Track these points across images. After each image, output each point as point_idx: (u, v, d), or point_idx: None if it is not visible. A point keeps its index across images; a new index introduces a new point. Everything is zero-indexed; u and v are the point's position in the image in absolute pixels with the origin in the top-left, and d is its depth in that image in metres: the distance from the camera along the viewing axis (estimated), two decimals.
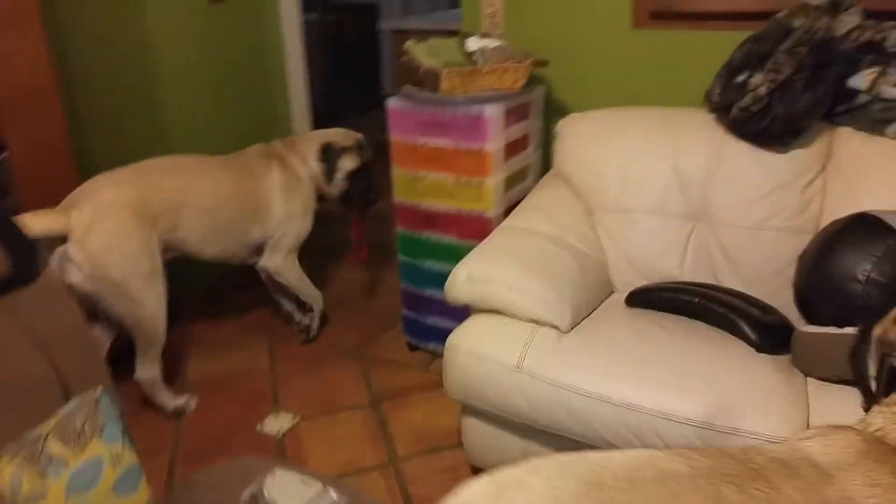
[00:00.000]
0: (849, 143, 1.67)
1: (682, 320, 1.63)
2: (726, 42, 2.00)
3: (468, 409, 1.73)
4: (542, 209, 1.96)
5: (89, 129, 2.74)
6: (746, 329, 1.51)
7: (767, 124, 1.63)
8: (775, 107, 1.61)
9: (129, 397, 2.15)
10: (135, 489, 1.15)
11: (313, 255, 3.25)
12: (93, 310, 1.97)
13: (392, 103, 2.19)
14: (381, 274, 3.16)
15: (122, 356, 2.08)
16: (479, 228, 2.14)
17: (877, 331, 1.09)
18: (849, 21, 1.64)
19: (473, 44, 2.21)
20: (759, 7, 1.90)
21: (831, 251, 1.42)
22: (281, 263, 2.42)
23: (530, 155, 2.33)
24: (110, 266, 1.88)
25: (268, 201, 2.31)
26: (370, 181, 2.46)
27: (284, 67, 3.21)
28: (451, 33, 2.34)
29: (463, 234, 2.19)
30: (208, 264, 2.34)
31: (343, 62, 5.78)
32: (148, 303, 1.99)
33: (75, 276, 1.85)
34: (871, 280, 1.34)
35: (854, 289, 1.36)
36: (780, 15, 1.72)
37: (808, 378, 1.42)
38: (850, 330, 1.32)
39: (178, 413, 2.20)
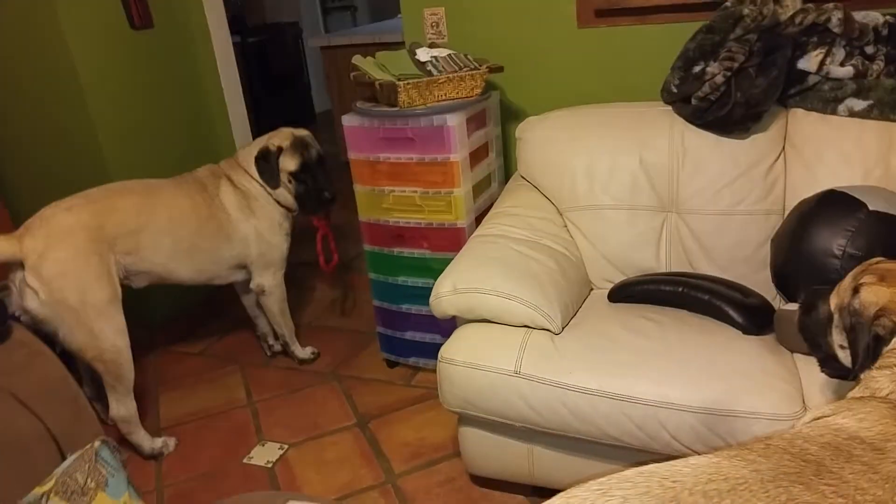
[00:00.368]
0: (803, 123, 1.74)
1: (667, 310, 1.67)
2: (673, 35, 2.07)
3: (464, 419, 1.73)
4: (514, 214, 1.97)
5: (16, 163, 2.63)
6: (732, 313, 1.56)
7: (728, 111, 1.69)
8: (733, 93, 1.66)
9: None
10: None
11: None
12: (53, 341, 1.88)
13: (347, 121, 2.16)
14: (349, 293, 3.12)
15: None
16: (451, 240, 2.14)
17: (833, 301, 1.13)
18: (792, 5, 1.72)
19: (424, 54, 2.20)
20: None
21: (806, 230, 1.48)
22: (271, 283, 2.37)
23: (493, 162, 2.34)
24: (66, 291, 1.85)
25: (228, 220, 2.25)
26: (318, 179, 2.29)
27: (221, 90, 3.13)
28: (382, 46, 2.33)
29: (435, 247, 2.18)
30: (185, 289, 2.27)
31: (270, 82, 5.77)
32: (108, 332, 1.94)
33: (32, 302, 1.84)
34: (847, 254, 1.40)
35: (831, 264, 1.42)
36: (728, 4, 1.78)
37: (795, 354, 1.48)
38: None
39: (156, 456, 2.11)
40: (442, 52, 2.20)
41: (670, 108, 1.89)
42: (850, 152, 1.66)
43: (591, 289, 1.92)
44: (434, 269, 2.17)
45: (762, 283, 1.71)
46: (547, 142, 2.04)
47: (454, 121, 2.00)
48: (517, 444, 1.68)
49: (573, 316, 1.72)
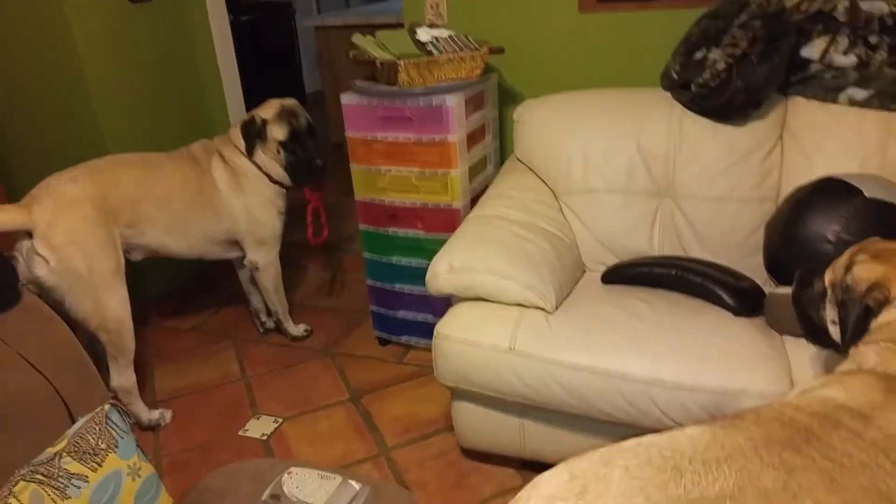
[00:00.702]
0: (802, 112, 1.77)
1: (660, 292, 1.70)
2: (674, 21, 2.09)
3: (458, 394, 1.75)
4: (510, 196, 1.99)
5: (14, 134, 2.60)
6: (723, 295, 1.60)
7: (728, 98, 1.71)
8: (734, 81, 1.68)
9: None
10: (157, 498, 1.13)
11: None
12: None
13: (346, 99, 2.16)
14: (341, 272, 3.13)
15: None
16: (446, 220, 2.16)
17: (828, 277, 1.16)
18: None
19: (424, 34, 2.20)
20: None
21: (801, 216, 1.51)
22: (264, 259, 2.37)
23: (489, 144, 2.35)
24: (75, 259, 1.87)
25: (217, 195, 2.25)
26: (308, 147, 2.26)
27: (217, 67, 3.11)
28: (377, 27, 2.33)
29: (429, 228, 2.20)
30: (179, 265, 2.27)
31: (262, 61, 5.74)
32: (113, 302, 1.97)
33: (41, 269, 1.86)
34: (842, 240, 1.44)
35: (826, 249, 1.45)
36: None
37: (784, 336, 1.52)
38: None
39: (153, 427, 2.13)
40: (443, 33, 2.20)
41: (669, 94, 1.91)
42: (848, 141, 1.69)
43: (585, 271, 1.94)
44: (428, 250, 2.18)
45: (753, 269, 1.74)
46: (544, 125, 2.06)
47: (453, 101, 2.01)
48: (509, 419, 1.71)
49: (567, 296, 1.74)
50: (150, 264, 2.32)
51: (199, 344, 2.62)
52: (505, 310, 1.66)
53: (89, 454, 1.05)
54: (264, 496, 1.23)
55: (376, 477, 1.86)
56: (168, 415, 2.17)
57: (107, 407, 1.09)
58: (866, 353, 1.00)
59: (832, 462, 0.77)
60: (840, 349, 1.10)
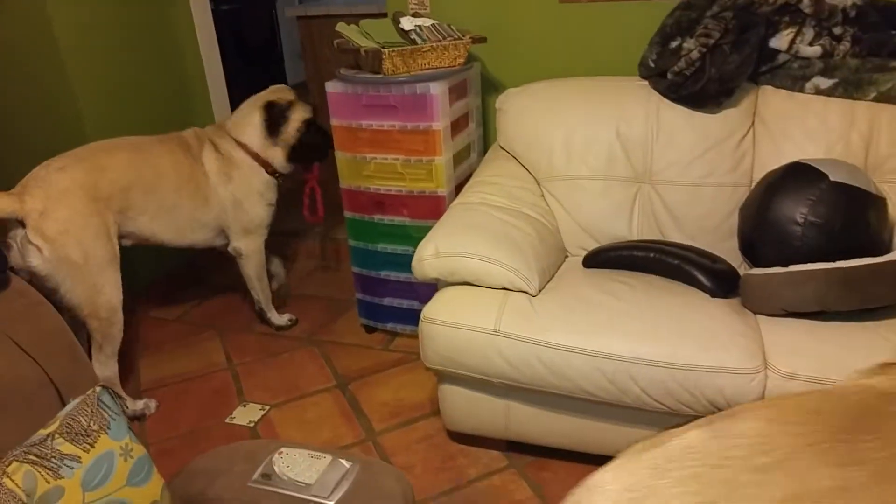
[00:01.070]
0: (772, 100, 1.83)
1: (639, 275, 1.76)
2: (651, 11, 2.14)
3: (444, 378, 1.79)
4: (494, 183, 2.03)
5: None
6: (701, 277, 1.65)
7: (702, 86, 1.76)
8: (708, 69, 1.74)
9: None
10: (148, 479, 1.15)
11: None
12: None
13: (331, 87, 2.18)
14: (327, 260, 3.15)
15: None
16: (431, 207, 2.19)
17: None
18: None
19: (408, 23, 2.22)
20: None
21: (771, 199, 1.57)
22: (249, 247, 2.40)
23: (473, 132, 2.39)
24: (69, 249, 1.89)
25: (207, 184, 2.27)
26: (324, 129, 2.39)
27: (200, 57, 3.10)
28: (360, 17, 2.35)
29: (415, 215, 2.23)
30: (164, 255, 2.28)
31: (243, 52, 5.70)
32: (106, 288, 1.99)
33: (35, 259, 1.87)
34: (809, 222, 1.50)
35: (794, 230, 1.52)
36: None
37: (758, 315, 1.58)
38: (793, 268, 1.48)
39: (138, 418, 2.14)
40: (426, 22, 2.22)
41: (647, 82, 1.96)
42: (814, 128, 1.76)
43: (567, 255, 1.99)
44: (413, 237, 2.22)
45: (729, 251, 1.80)
46: (526, 113, 2.10)
47: (437, 89, 2.04)
48: (494, 401, 1.75)
49: (549, 280, 1.79)
50: (136, 254, 2.32)
51: (184, 333, 2.63)
52: (490, 293, 1.70)
53: (82, 435, 1.06)
54: (256, 475, 1.25)
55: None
56: (153, 405, 2.18)
57: (98, 389, 1.11)
58: None
59: (887, 451, 0.73)
60: None
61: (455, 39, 2.16)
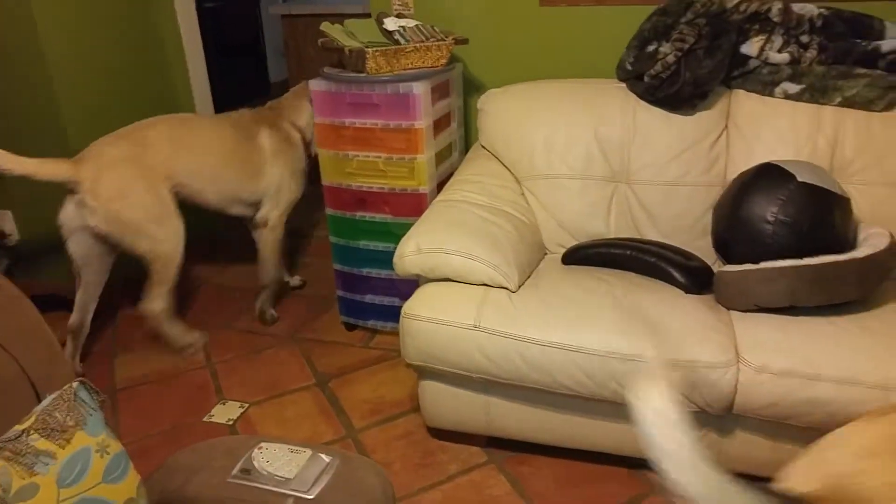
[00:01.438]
0: (744, 103, 1.89)
1: (616, 272, 1.80)
2: (629, 16, 2.19)
3: (425, 373, 1.81)
4: (475, 181, 2.06)
5: None
6: (676, 274, 1.70)
7: (677, 89, 1.81)
8: (683, 73, 1.79)
9: None
10: (125, 475, 1.14)
11: (242, 248, 3.20)
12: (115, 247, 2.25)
13: (315, 85, 2.20)
14: (308, 258, 3.15)
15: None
16: (413, 205, 2.21)
17: None
18: None
19: (392, 24, 2.25)
20: None
21: (743, 198, 1.62)
22: (276, 218, 2.55)
23: (454, 131, 2.41)
24: (121, 211, 2.14)
25: (262, 160, 2.45)
26: None
27: (183, 52, 3.09)
28: (344, 16, 2.37)
29: (397, 212, 2.25)
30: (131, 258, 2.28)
31: (226, 49, 5.68)
32: (165, 241, 2.23)
33: (92, 219, 2.13)
34: (779, 220, 1.55)
35: (765, 229, 1.56)
36: None
37: (731, 311, 1.62)
38: (764, 265, 1.53)
39: (188, 350, 2.39)
40: (409, 23, 2.25)
41: (625, 85, 2.00)
42: (784, 131, 1.82)
43: (546, 253, 2.03)
44: (395, 234, 2.24)
45: (703, 249, 1.86)
46: (507, 114, 2.13)
47: (420, 89, 2.07)
48: (474, 396, 1.77)
49: (529, 276, 1.82)
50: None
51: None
52: (470, 289, 1.73)
53: (57, 431, 1.04)
54: (235, 471, 1.25)
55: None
56: (203, 339, 2.44)
57: (75, 384, 1.09)
58: None
59: None
60: None
61: (438, 40, 2.19)
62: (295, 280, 2.88)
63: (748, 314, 1.58)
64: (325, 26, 2.29)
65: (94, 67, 2.67)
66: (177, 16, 3.00)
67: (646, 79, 1.87)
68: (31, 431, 1.03)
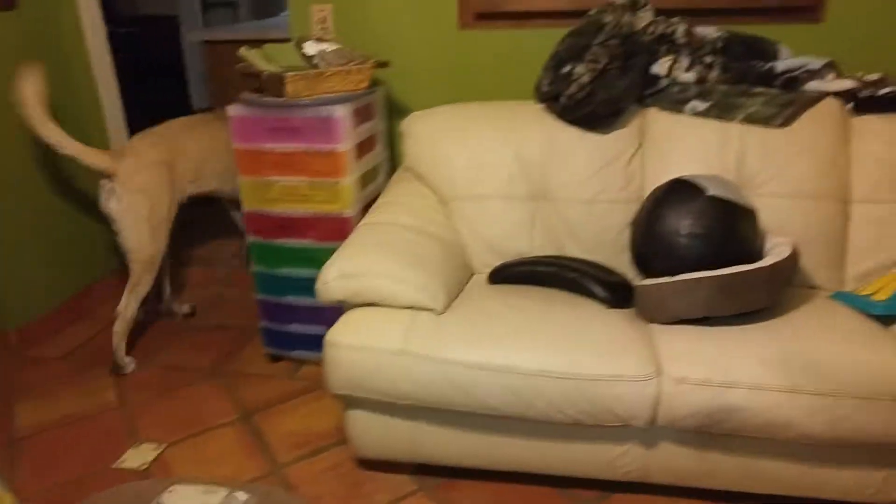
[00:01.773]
0: (657, 121, 1.95)
1: (541, 289, 1.80)
2: (545, 39, 2.25)
3: (352, 403, 1.76)
4: (400, 203, 2.04)
5: None
6: (597, 289, 1.72)
7: (593, 108, 1.86)
8: (598, 93, 1.83)
9: None
10: None
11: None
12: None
13: (233, 110, 2.14)
14: (229, 288, 3.04)
15: None
16: (337, 229, 2.17)
17: None
18: (646, 17, 1.92)
19: (311, 48, 2.23)
20: (573, 6, 2.16)
21: (658, 213, 1.66)
22: None
23: (379, 154, 2.40)
24: (140, 203, 2.34)
25: None
26: None
27: (93, 79, 2.96)
28: (267, 42, 2.35)
29: (321, 237, 2.20)
30: (45, 289, 2.13)
31: (145, 75, 5.53)
32: (154, 241, 2.40)
33: (114, 205, 2.34)
34: (692, 233, 1.59)
35: (680, 242, 1.61)
36: (592, 12, 1.96)
37: (652, 324, 1.65)
38: (680, 277, 1.57)
39: (121, 372, 2.43)
40: (329, 47, 2.23)
41: (543, 106, 2.04)
42: (694, 147, 1.88)
43: (473, 273, 2.02)
44: (320, 260, 2.18)
45: (625, 264, 1.89)
46: (431, 136, 2.13)
47: (341, 112, 2.04)
48: (402, 423, 1.73)
49: (456, 297, 1.80)
50: (12, 290, 2.15)
51: (70, 373, 2.44)
52: (396, 313, 1.69)
53: None
54: None
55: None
56: (131, 365, 2.47)
57: None
58: None
59: None
60: None
61: (358, 64, 2.17)
62: (185, 308, 2.87)
63: (668, 326, 1.61)
64: (243, 51, 2.25)
65: None
66: (84, 39, 2.88)
67: (562, 99, 1.91)
68: None
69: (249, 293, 2.93)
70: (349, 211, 2.14)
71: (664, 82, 1.93)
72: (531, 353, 1.54)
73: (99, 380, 2.39)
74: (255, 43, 2.40)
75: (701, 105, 1.88)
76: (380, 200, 2.11)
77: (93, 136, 2.99)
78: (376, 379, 1.63)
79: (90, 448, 2.04)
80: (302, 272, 2.26)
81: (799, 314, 1.64)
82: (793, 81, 1.92)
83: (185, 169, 2.48)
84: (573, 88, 1.86)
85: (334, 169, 2.10)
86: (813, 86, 1.93)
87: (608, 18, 1.91)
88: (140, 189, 2.34)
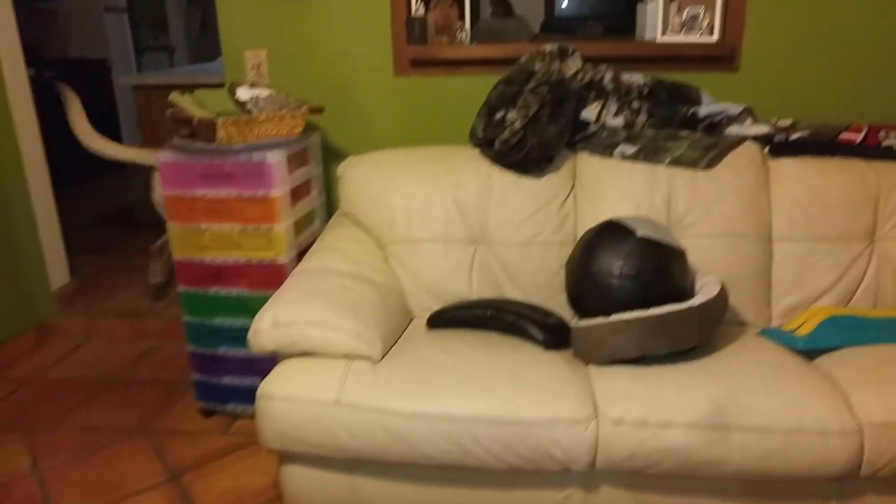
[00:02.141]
0: (588, 165, 2.00)
1: (479, 333, 1.79)
2: (479, 85, 2.30)
3: (287, 457, 1.68)
4: (336, 249, 2.01)
5: None
6: (534, 332, 1.71)
7: (525, 153, 1.89)
8: (530, 138, 1.87)
9: None
10: None
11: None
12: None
13: (163, 156, 2.09)
14: (157, 341, 2.91)
15: None
16: (271, 277, 2.12)
17: None
18: (574, 64, 1.99)
19: (244, 93, 2.20)
20: (503, 54, 2.22)
21: (590, 255, 1.69)
22: None
23: (315, 199, 2.37)
24: None
25: None
26: None
27: (13, 128, 2.85)
28: (200, 87, 2.33)
29: (254, 285, 2.14)
30: None
31: None
32: None
33: (158, 197, 2.49)
34: (624, 274, 1.62)
35: (612, 282, 1.63)
36: (522, 60, 2.02)
37: (589, 365, 1.65)
38: (614, 318, 1.58)
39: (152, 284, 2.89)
40: (263, 92, 2.21)
41: (478, 150, 2.07)
42: (625, 189, 1.93)
43: (412, 318, 1.99)
44: (253, 308, 2.12)
45: (561, 305, 1.90)
46: (367, 180, 2.12)
47: (274, 157, 2.01)
48: (339, 477, 1.66)
49: (394, 344, 1.77)
50: None
51: None
52: (331, 363, 1.64)
53: None
54: None
55: None
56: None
57: None
58: None
59: None
60: None
61: (292, 110, 2.16)
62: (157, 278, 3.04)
63: (604, 367, 1.62)
64: (173, 96, 2.21)
65: None
66: (4, 83, 2.78)
67: (496, 144, 1.94)
68: None
69: (181, 345, 2.81)
70: (283, 258, 2.10)
71: (594, 127, 1.98)
72: (467, 400, 1.51)
73: (11, 444, 2.23)
74: (188, 88, 2.36)
75: (630, 149, 1.94)
76: (315, 246, 2.07)
77: (12, 184, 2.85)
78: (311, 431, 1.56)
79: None
80: (235, 322, 2.18)
81: (730, 351, 1.68)
82: (714, 126, 2.01)
83: None
84: (506, 134, 1.89)
85: (267, 215, 2.06)
86: (733, 130, 2.03)
87: (538, 66, 1.97)
88: None
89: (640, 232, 1.65)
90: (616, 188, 1.94)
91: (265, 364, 2.20)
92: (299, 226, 2.21)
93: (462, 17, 2.38)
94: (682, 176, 1.93)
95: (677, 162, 1.91)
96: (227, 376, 2.27)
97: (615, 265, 1.63)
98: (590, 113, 1.97)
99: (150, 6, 6.57)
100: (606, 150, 1.97)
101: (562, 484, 1.58)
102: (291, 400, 1.57)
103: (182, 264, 2.17)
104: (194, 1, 6.86)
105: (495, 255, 1.98)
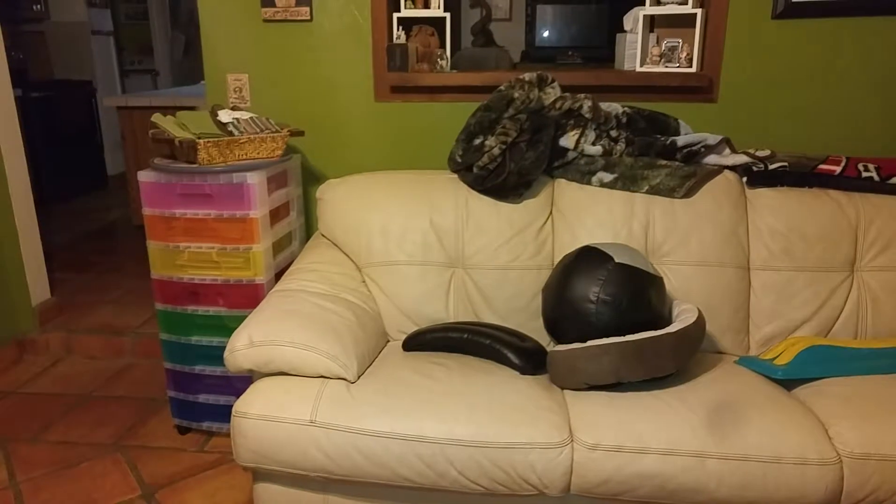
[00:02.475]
0: (566, 191, 2.03)
1: (455, 356, 1.80)
2: (458, 111, 2.33)
3: (261, 476, 1.68)
4: (314, 270, 2.02)
5: None
6: (510, 356, 1.73)
7: (503, 179, 1.92)
8: (508, 164, 1.90)
9: None
10: None
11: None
12: None
13: (143, 176, 2.10)
14: (135, 358, 2.89)
15: None
16: (248, 296, 2.12)
17: None
18: (553, 93, 2.02)
19: (226, 116, 2.22)
20: (483, 81, 2.25)
21: (567, 280, 1.71)
22: None
23: (294, 221, 2.38)
24: None
25: None
26: None
27: None
28: (183, 109, 2.35)
29: (232, 304, 2.14)
30: None
31: (58, 141, 5.40)
32: None
33: None
34: (601, 300, 1.64)
35: (589, 308, 1.65)
36: (502, 87, 2.05)
37: (565, 390, 1.66)
38: (590, 343, 1.60)
39: None
40: (244, 115, 2.23)
41: (456, 175, 2.09)
42: (602, 216, 1.96)
43: (389, 340, 2.00)
44: (230, 328, 2.13)
45: (537, 330, 1.92)
46: (346, 203, 2.14)
47: (254, 179, 2.03)
48: (313, 497, 1.66)
49: (370, 365, 1.77)
50: None
51: None
52: (306, 382, 1.64)
53: None
54: None
55: None
56: None
57: None
58: None
59: None
60: None
61: (273, 132, 2.18)
62: None
63: (580, 392, 1.63)
64: (156, 118, 2.22)
65: None
66: None
67: (475, 170, 1.97)
68: None
69: (158, 362, 2.79)
70: (261, 277, 2.10)
71: (572, 154, 2.02)
72: (442, 422, 1.52)
73: None
74: (171, 110, 2.38)
75: (607, 176, 1.97)
76: (293, 266, 2.08)
77: None
78: (285, 450, 1.56)
79: None
80: (212, 340, 2.18)
81: (707, 379, 1.70)
82: (693, 155, 2.05)
83: None
84: (485, 160, 1.92)
85: (246, 235, 2.07)
86: (711, 159, 2.06)
87: (517, 94, 2.00)
88: None
89: (618, 258, 1.68)
90: (594, 215, 1.97)
91: (240, 383, 2.19)
92: (278, 247, 2.22)
93: (443, 45, 2.42)
94: (660, 204, 1.96)
95: (655, 190, 1.95)
96: (202, 394, 2.25)
97: (592, 291, 1.65)
98: (568, 140, 2.00)
99: (135, 30, 6.62)
100: (584, 177, 2.00)
101: None
102: (266, 419, 1.57)
103: (160, 282, 2.17)
104: (179, 26, 6.93)
105: (472, 279, 2.00)
